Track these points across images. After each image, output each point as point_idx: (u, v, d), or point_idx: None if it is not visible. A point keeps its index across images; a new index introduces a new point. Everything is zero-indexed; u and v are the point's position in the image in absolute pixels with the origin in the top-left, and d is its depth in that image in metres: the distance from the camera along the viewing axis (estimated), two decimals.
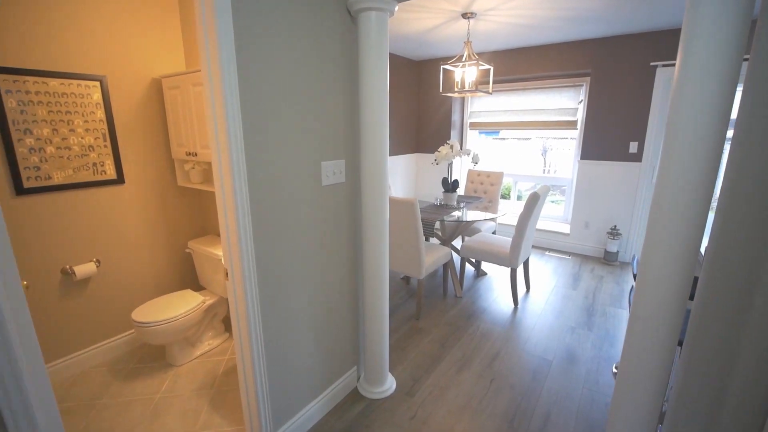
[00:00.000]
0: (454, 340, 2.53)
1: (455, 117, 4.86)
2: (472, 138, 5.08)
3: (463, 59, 2.92)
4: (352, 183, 1.78)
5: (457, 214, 3.19)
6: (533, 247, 4.44)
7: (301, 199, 1.51)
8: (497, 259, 2.98)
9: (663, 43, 3.35)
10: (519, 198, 5.10)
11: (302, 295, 1.61)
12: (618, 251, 3.85)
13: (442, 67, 3.05)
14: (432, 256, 2.86)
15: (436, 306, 3.00)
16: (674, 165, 1.04)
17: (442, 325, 2.72)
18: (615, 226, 3.84)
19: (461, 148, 3.26)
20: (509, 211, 4.79)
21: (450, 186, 3.35)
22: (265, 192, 1.37)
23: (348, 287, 1.88)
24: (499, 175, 3.96)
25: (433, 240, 4.01)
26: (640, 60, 3.49)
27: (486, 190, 4.02)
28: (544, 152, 7.12)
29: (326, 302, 1.76)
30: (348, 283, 1.87)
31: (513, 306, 3.00)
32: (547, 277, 3.57)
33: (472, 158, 3.30)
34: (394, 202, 2.60)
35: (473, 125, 4.95)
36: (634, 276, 1.79)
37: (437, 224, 3.39)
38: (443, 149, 3.20)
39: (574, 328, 2.67)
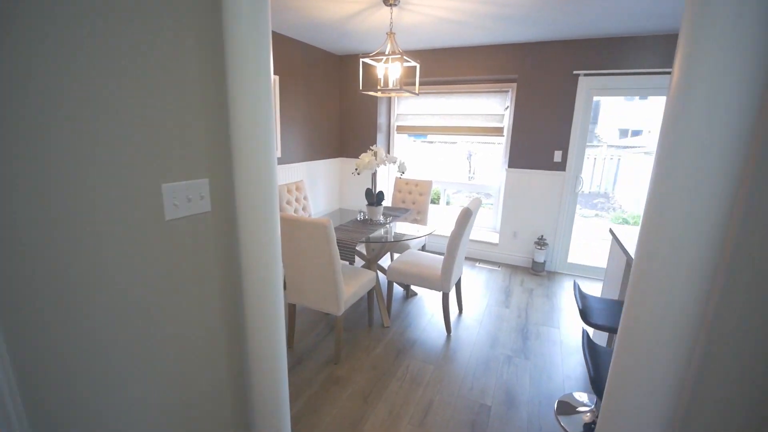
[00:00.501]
0: (381, 388, 2.09)
1: (381, 119, 4.47)
2: (400, 141, 4.75)
3: (386, 53, 2.50)
4: (223, 210, 1.22)
5: (382, 231, 2.77)
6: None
7: (118, 254, 0.92)
8: (428, 283, 2.62)
9: (586, 51, 3.32)
10: (448, 203, 4.89)
11: (133, 391, 1.02)
12: (545, 261, 3.79)
13: (361, 60, 2.60)
14: (353, 284, 2.40)
15: (359, 341, 2.55)
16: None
17: (367, 369, 2.27)
18: (542, 236, 3.77)
19: (387, 155, 2.87)
20: (439, 225, 4.55)
21: (374, 199, 2.92)
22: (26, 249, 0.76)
23: (223, 355, 1.31)
24: (428, 184, 3.65)
25: (357, 260, 3.56)
26: (564, 68, 3.43)
27: (415, 200, 3.68)
28: (469, 156, 7.09)
29: (184, 386, 1.17)
30: (224, 348, 1.30)
31: (446, 333, 2.67)
32: (479, 294, 3.33)
33: (399, 167, 2.91)
34: (302, 223, 2.08)
35: (400, 128, 4.61)
36: (579, 306, 1.56)
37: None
38: (365, 157, 2.75)
39: (510, 357, 2.41)
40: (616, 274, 2.13)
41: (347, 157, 4.62)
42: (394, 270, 2.74)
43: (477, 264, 4.06)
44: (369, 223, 2.89)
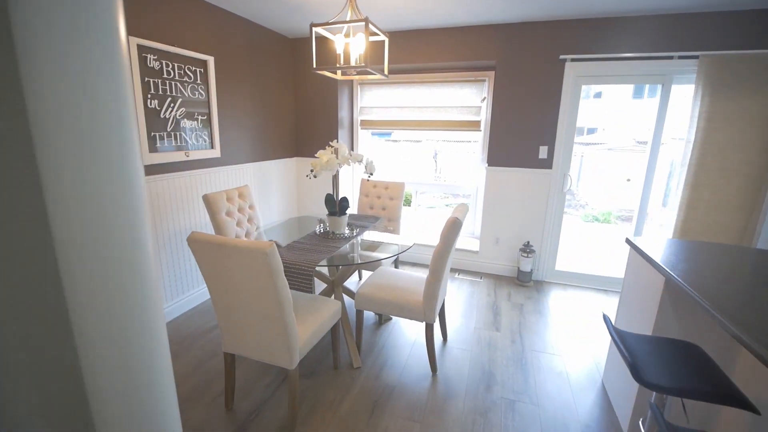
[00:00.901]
0: None
1: (343, 113, 3.89)
2: (364, 140, 4.19)
3: (347, 20, 1.94)
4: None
5: (348, 246, 2.21)
6: None
7: None
8: (408, 312, 2.09)
9: (572, 33, 2.94)
10: (420, 206, 4.40)
11: None
12: (532, 270, 3.39)
13: (314, 29, 2.02)
14: (312, 322, 1.81)
15: (322, 393, 1.96)
16: None
17: None
18: (528, 242, 3.37)
19: (350, 152, 2.31)
20: (416, 233, 4.04)
21: (337, 207, 2.34)
22: None
23: None
24: (400, 187, 3.12)
25: (317, 283, 2.96)
26: (548, 52, 3.04)
27: (385, 206, 3.15)
28: (435, 155, 6.68)
29: None
30: None
31: (431, 373, 2.15)
32: (463, 312, 2.85)
33: (366, 167, 2.36)
34: (233, 249, 1.46)
35: (365, 123, 4.05)
36: (629, 360, 1.09)
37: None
38: (323, 155, 2.17)
39: (513, 402, 1.94)
40: (645, 297, 1.70)
41: (305, 156, 4.00)
42: (363, 296, 2.18)
43: (457, 275, 3.60)
44: (331, 238, 2.31)
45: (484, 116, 3.56)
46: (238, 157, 3.14)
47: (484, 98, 3.51)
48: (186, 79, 2.55)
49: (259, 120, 3.36)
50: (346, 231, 2.41)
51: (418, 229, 4.23)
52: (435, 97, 3.67)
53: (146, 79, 2.27)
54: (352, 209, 4.09)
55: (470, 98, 3.56)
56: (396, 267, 3.21)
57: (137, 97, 2.22)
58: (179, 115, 2.53)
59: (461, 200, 4.32)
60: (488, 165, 3.44)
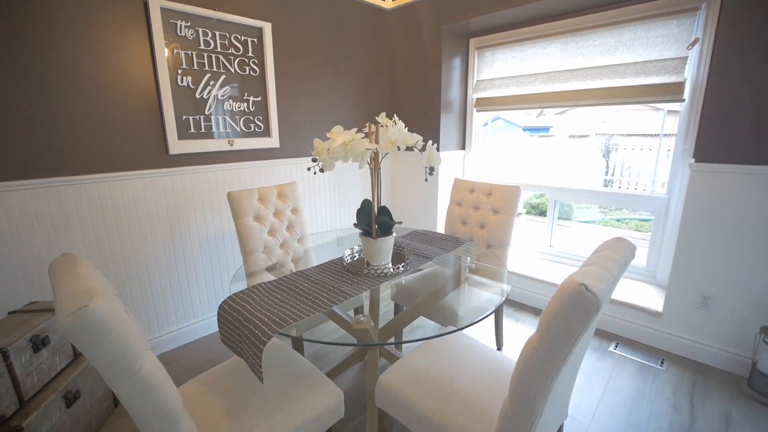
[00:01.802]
0: None
1: (450, 93, 2.90)
2: (479, 127, 3.08)
3: None
4: None
5: (376, 296, 1.29)
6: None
7: None
8: None
9: None
10: (569, 219, 3.02)
11: None
12: None
13: None
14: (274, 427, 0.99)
15: None
16: None
17: None
18: None
19: (406, 131, 1.37)
20: (527, 267, 2.74)
21: (372, 223, 1.43)
22: None
23: None
24: (511, 193, 1.95)
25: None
26: None
27: (484, 222, 2.03)
28: (607, 153, 4.88)
29: None
30: None
31: None
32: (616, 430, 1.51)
33: (426, 160, 1.37)
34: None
35: (483, 103, 2.94)
36: None
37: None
38: (337, 135, 1.30)
39: None
40: None
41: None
42: (388, 393, 1.21)
43: (614, 347, 2.14)
44: (358, 274, 1.42)
45: (692, 76, 1.98)
46: (304, 149, 2.57)
47: (695, 41, 1.94)
48: (232, 51, 2.09)
49: (335, 104, 2.72)
50: (390, 265, 1.48)
51: (538, 267, 2.85)
52: (597, 51, 2.29)
53: (175, 50, 1.89)
54: (437, 222, 3.05)
55: (664, 45, 2.04)
56: (496, 318, 2.06)
57: (161, 73, 1.84)
58: (222, 96, 2.10)
59: (646, 223, 2.72)
60: (695, 161, 1.87)
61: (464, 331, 1.51)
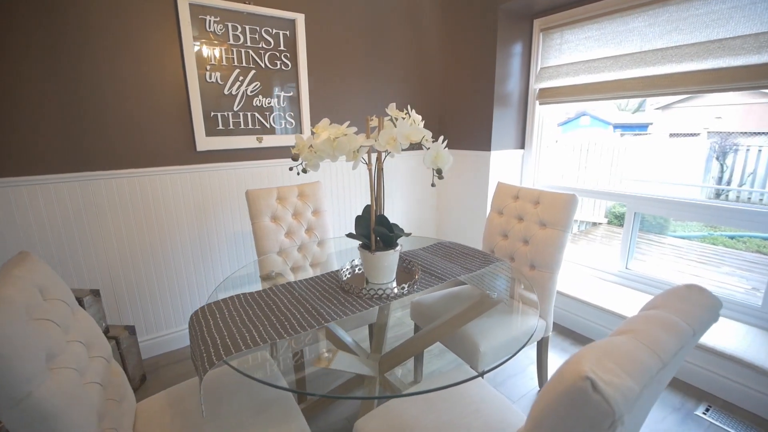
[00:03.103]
0: None
1: (508, 84, 2.52)
2: (542, 123, 2.64)
3: None
4: None
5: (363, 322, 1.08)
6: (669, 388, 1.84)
7: None
8: None
9: None
10: (655, 230, 2.49)
11: None
12: None
13: None
14: None
15: None
16: None
17: None
18: None
19: (421, 126, 1.13)
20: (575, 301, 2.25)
21: (372, 235, 1.22)
22: None
23: None
24: (564, 203, 1.57)
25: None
26: None
27: (528, 236, 1.67)
28: (722, 155, 4.10)
29: None
30: None
31: None
32: None
33: (431, 161, 1.11)
34: None
35: (546, 94, 2.52)
36: None
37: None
38: (324, 129, 1.11)
39: None
40: None
41: (459, 149, 2.90)
42: None
43: (702, 411, 1.62)
44: (352, 293, 1.22)
45: None
46: None
47: None
48: (263, 45, 2.04)
49: (375, 98, 2.54)
50: (393, 284, 1.25)
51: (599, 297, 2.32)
52: (701, 23, 1.76)
53: (204, 46, 1.88)
54: (474, 236, 2.66)
55: None
56: (539, 352, 1.69)
57: (189, 69, 1.85)
58: (251, 91, 2.05)
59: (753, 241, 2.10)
60: None
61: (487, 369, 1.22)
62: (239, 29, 1.95)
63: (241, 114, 2.04)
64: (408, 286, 1.23)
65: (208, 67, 1.91)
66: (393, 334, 1.97)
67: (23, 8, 1.50)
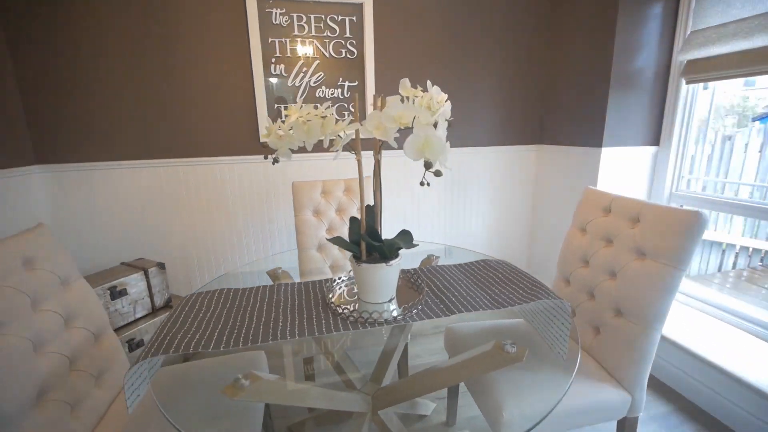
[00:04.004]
0: None
1: (637, 59, 1.88)
2: (690, 108, 1.87)
3: None
4: None
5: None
6: None
7: None
8: None
9: None
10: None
11: None
12: None
13: None
14: None
15: None
16: None
17: None
18: None
19: (439, 102, 0.85)
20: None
21: (361, 245, 0.99)
22: None
23: None
24: (680, 223, 1.01)
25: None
26: None
27: (616, 267, 1.15)
28: None
29: None
30: None
31: None
32: None
33: (418, 153, 0.81)
34: None
35: (698, 68, 1.77)
36: None
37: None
38: (294, 110, 0.93)
39: None
40: None
41: (548, 143, 2.36)
42: None
43: None
44: (337, 313, 1.01)
45: None
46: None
47: None
48: (327, 33, 1.97)
49: (457, 86, 2.22)
50: (389, 306, 1.00)
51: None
52: None
53: (270, 40, 1.91)
54: (545, 256, 1.97)
55: None
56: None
57: (255, 63, 1.91)
58: (314, 82, 2.01)
59: None
60: None
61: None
62: (304, 19, 1.92)
63: (303, 105, 2.02)
64: (401, 312, 0.96)
65: (273, 60, 1.94)
66: (420, 362, 1.66)
67: (123, 13, 1.76)
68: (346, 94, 2.07)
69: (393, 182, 2.27)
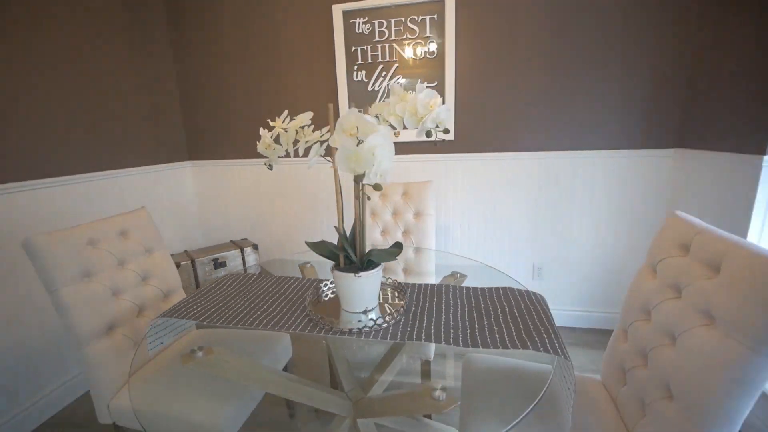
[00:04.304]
0: None
1: None
2: None
3: None
4: None
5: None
6: None
7: None
8: None
9: None
10: None
11: None
12: None
13: None
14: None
15: None
16: None
17: None
18: None
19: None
20: None
21: (340, 256, 1.00)
22: None
23: None
24: None
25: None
26: None
27: (677, 331, 0.80)
28: None
29: None
30: None
31: None
32: None
33: (354, 171, 0.76)
34: None
35: None
36: None
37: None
38: (278, 124, 0.98)
39: None
40: None
41: (688, 146, 1.76)
42: None
43: None
44: (310, 317, 1.06)
45: None
46: (489, 141, 2.02)
47: None
48: (407, 35, 1.97)
49: (556, 83, 1.89)
50: (369, 317, 0.99)
51: None
52: None
53: (353, 48, 2.04)
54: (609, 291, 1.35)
55: None
56: None
57: (339, 72, 2.07)
58: (393, 85, 2.05)
59: None
60: None
61: None
62: (384, 24, 1.98)
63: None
64: (367, 325, 0.93)
65: (356, 67, 2.07)
66: (407, 381, 1.50)
67: (227, 22, 2.18)
68: None
69: (457, 190, 2.11)
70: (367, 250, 1.00)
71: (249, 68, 2.23)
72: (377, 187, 0.78)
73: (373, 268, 0.97)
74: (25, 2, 1.53)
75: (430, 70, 2.00)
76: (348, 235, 1.03)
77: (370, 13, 1.99)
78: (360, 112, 0.86)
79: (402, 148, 2.14)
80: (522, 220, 2.09)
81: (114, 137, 1.93)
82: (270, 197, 2.41)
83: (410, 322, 0.97)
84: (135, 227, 1.32)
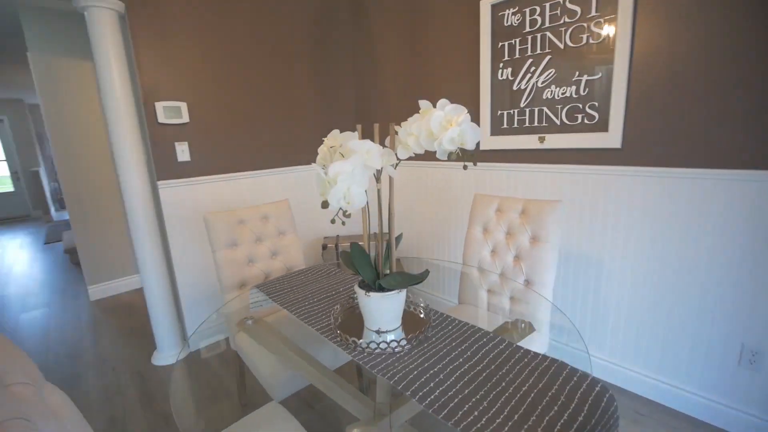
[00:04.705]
0: None
1: None
2: None
3: None
4: None
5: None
6: None
7: None
8: None
9: None
10: None
11: None
12: None
13: None
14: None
15: None
16: None
17: None
18: None
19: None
20: None
21: (371, 281, 0.99)
22: None
23: None
24: None
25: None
26: None
27: None
28: None
29: None
30: None
31: None
32: None
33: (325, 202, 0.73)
34: None
35: None
36: None
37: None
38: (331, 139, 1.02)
39: None
40: None
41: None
42: None
43: None
44: (328, 331, 1.08)
45: None
46: (691, 155, 1.40)
47: None
48: (564, 20, 1.59)
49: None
50: (389, 337, 0.96)
51: None
52: None
53: (499, 44, 1.82)
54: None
55: None
56: None
57: (484, 70, 1.90)
58: (542, 83, 1.72)
59: None
60: None
61: None
62: (537, 11, 1.67)
63: (527, 111, 1.81)
64: (364, 348, 0.91)
65: (501, 65, 1.85)
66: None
67: (392, 33, 2.32)
68: (582, 91, 1.62)
69: (587, 208, 1.54)
70: (395, 271, 0.95)
71: (400, 72, 2.37)
72: (346, 213, 0.74)
73: (389, 290, 0.92)
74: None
75: (594, 59, 1.56)
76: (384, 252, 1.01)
77: (521, 1, 1.73)
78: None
79: (552, 156, 1.79)
80: (730, 273, 1.36)
81: (294, 139, 2.51)
82: (410, 198, 2.52)
83: (415, 362, 0.87)
84: (275, 214, 1.72)
